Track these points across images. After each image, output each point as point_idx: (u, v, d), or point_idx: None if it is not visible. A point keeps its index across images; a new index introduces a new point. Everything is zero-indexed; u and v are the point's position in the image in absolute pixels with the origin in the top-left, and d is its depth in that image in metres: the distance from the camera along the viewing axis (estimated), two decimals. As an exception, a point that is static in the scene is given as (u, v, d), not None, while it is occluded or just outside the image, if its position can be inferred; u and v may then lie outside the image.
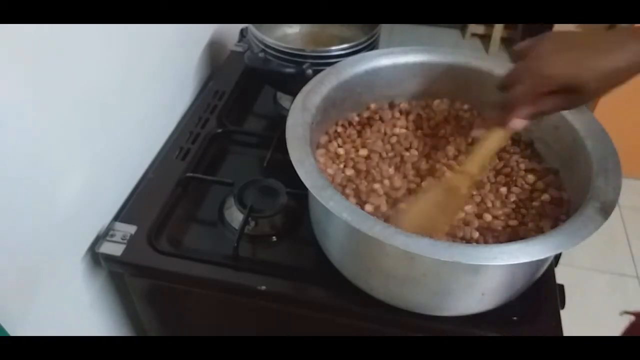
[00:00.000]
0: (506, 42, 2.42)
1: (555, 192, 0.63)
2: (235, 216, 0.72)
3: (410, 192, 0.63)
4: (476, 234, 0.58)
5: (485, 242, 0.58)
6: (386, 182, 0.64)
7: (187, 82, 0.94)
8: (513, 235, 0.58)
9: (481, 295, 0.57)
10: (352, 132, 0.71)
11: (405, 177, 0.65)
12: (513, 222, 0.60)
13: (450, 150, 0.68)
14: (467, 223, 0.59)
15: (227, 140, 0.87)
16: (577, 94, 0.52)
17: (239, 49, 1.05)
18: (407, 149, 0.69)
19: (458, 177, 0.60)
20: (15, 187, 0.54)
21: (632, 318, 0.79)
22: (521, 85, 0.53)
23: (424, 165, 0.66)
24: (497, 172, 0.66)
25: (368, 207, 0.60)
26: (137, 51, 0.73)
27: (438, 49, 0.74)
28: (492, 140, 0.59)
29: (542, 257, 0.49)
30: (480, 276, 0.55)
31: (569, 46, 0.52)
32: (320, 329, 0.69)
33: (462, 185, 0.59)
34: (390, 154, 0.68)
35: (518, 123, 0.56)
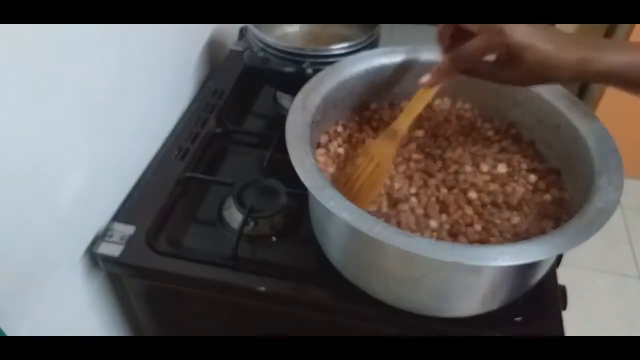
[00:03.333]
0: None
1: (556, 192, 0.63)
2: (234, 216, 0.72)
3: (412, 193, 0.63)
4: (477, 235, 0.58)
5: (487, 242, 0.57)
6: (387, 182, 0.63)
7: (186, 82, 0.94)
8: (514, 235, 0.58)
9: (482, 296, 0.56)
10: (352, 131, 0.71)
11: (406, 177, 0.65)
12: (514, 222, 0.59)
13: (455, 149, 0.68)
14: (468, 223, 0.59)
15: (227, 140, 0.87)
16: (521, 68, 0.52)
17: (239, 48, 1.05)
18: (407, 149, 0.68)
19: (386, 136, 0.63)
20: (13, 187, 0.54)
21: None
22: (479, 38, 0.53)
23: (425, 165, 0.66)
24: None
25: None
26: (136, 50, 0.73)
27: (438, 48, 0.73)
28: (424, 98, 0.61)
29: (543, 257, 0.49)
30: (481, 277, 0.54)
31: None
32: (320, 330, 0.69)
33: (390, 144, 0.63)
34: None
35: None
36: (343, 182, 0.63)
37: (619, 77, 0.52)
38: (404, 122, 0.63)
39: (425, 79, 0.60)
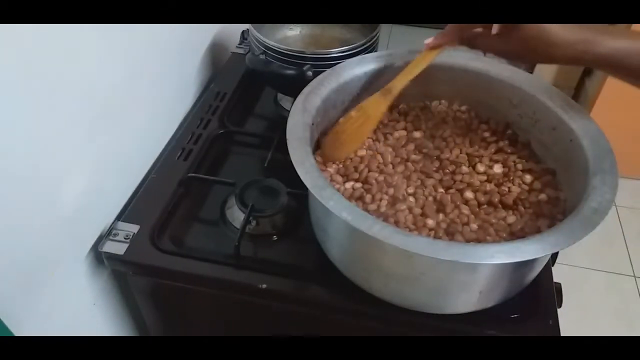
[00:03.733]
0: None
1: (552, 191, 0.64)
2: (236, 215, 0.73)
3: (410, 194, 0.64)
4: (473, 234, 0.59)
5: (483, 241, 0.58)
6: (385, 179, 0.64)
7: (189, 84, 0.95)
8: (510, 234, 0.59)
9: (479, 294, 0.57)
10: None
11: (404, 177, 0.66)
12: (510, 221, 0.60)
13: (452, 150, 0.69)
14: (465, 222, 0.60)
15: (229, 140, 0.88)
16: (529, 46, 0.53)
17: (240, 51, 1.06)
18: (406, 149, 0.70)
19: (380, 95, 0.65)
20: (19, 186, 0.55)
21: None
22: None
23: (423, 165, 0.67)
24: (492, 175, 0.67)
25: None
26: (140, 53, 0.74)
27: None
28: (422, 60, 0.63)
29: (538, 255, 0.50)
30: (477, 275, 0.55)
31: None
32: (320, 327, 0.70)
33: (382, 102, 0.65)
34: (390, 154, 0.69)
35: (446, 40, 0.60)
36: (334, 130, 0.66)
37: (619, 62, 0.52)
38: (399, 82, 0.65)
39: (429, 40, 0.62)
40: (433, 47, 0.62)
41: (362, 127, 0.66)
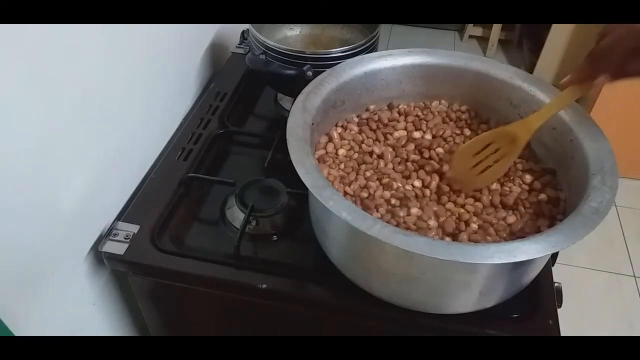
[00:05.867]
0: (503, 44, 2.44)
1: (552, 191, 0.64)
2: (236, 215, 0.73)
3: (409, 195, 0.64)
4: (474, 234, 0.59)
5: (483, 241, 0.58)
6: (385, 181, 0.65)
7: (189, 84, 0.95)
8: (510, 234, 0.59)
9: (479, 294, 0.57)
10: (352, 133, 0.72)
11: (404, 177, 0.66)
12: (510, 222, 0.61)
13: (452, 150, 0.69)
14: (465, 222, 0.60)
15: (229, 140, 0.88)
16: None
17: (240, 51, 1.06)
18: (406, 149, 0.70)
19: (519, 126, 0.62)
20: (20, 187, 0.55)
21: None
22: (615, 33, 0.53)
23: (422, 165, 0.67)
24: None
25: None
26: (140, 53, 0.74)
27: (436, 51, 0.74)
28: (564, 98, 0.61)
29: (538, 255, 0.50)
30: (477, 275, 0.55)
31: None
32: (320, 327, 0.70)
33: (522, 135, 0.61)
34: (390, 154, 0.69)
35: (601, 81, 0.56)
36: (467, 150, 0.64)
37: None
38: (536, 121, 0.62)
39: (565, 79, 0.60)
40: (568, 84, 0.60)
41: (504, 160, 0.63)
